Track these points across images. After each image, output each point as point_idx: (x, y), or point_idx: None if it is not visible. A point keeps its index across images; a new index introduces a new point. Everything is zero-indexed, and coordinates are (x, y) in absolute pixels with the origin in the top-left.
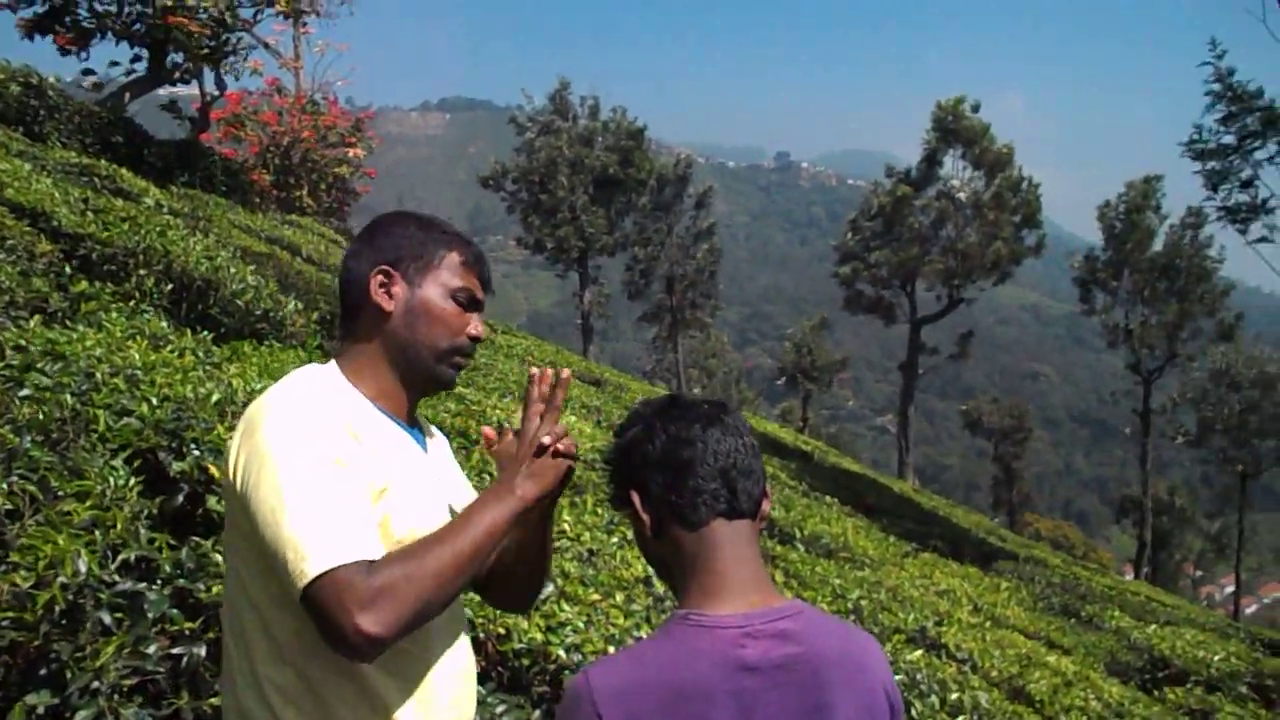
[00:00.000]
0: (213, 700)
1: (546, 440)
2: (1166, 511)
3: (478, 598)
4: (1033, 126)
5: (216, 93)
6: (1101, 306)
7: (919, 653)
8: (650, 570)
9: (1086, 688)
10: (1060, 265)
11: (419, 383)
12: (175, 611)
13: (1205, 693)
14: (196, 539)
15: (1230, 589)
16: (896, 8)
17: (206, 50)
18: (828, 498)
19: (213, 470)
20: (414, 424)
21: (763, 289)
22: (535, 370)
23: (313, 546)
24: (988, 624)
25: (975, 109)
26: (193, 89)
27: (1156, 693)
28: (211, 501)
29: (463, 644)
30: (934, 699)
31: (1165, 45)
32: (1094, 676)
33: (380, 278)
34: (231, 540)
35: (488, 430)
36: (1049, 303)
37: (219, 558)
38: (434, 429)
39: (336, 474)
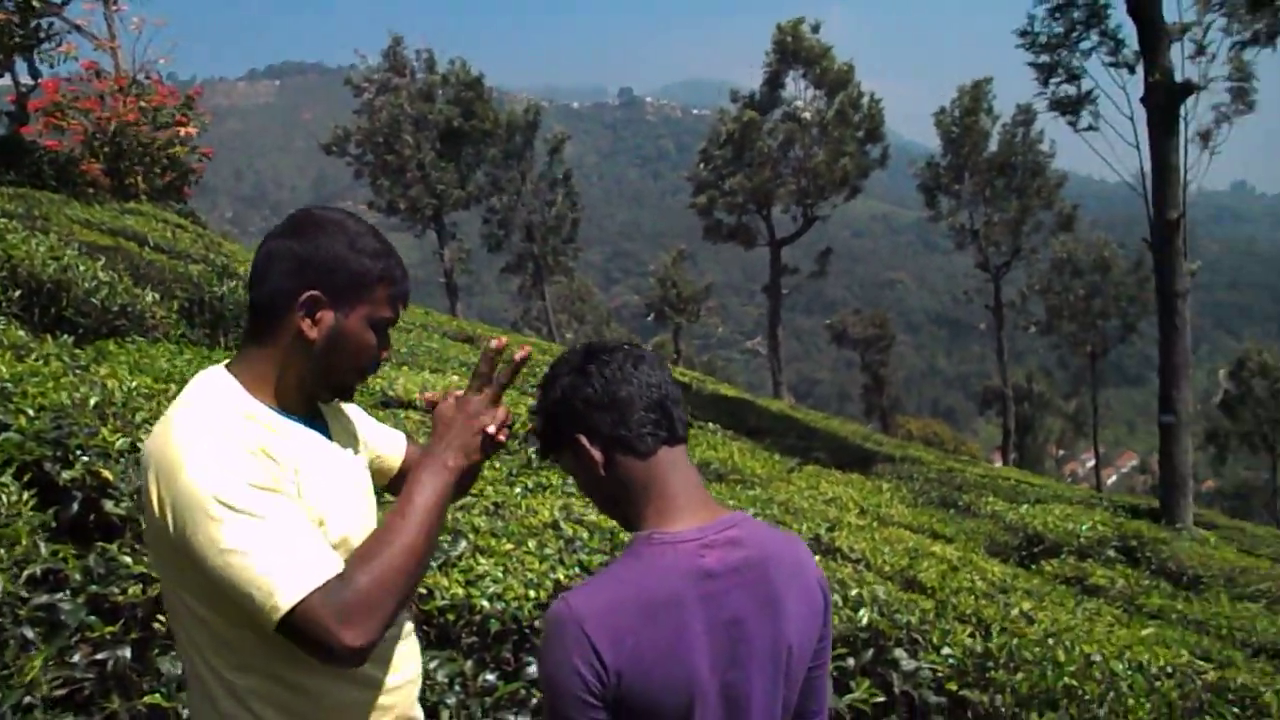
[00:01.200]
0: (146, 700)
1: (491, 429)
2: (1026, 398)
3: None
4: (861, 38)
5: (32, 82)
6: (947, 210)
7: (816, 558)
8: (560, 515)
9: (971, 570)
10: (903, 174)
11: (322, 395)
12: (93, 619)
13: (1078, 560)
14: (102, 544)
15: (1091, 463)
16: None
17: (16, 39)
18: (711, 424)
19: (105, 474)
20: (316, 416)
21: (621, 227)
22: (493, 342)
23: (277, 582)
24: (875, 524)
25: (815, 29)
26: (5, 81)
27: (1034, 566)
28: (109, 505)
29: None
30: (836, 597)
31: None
32: (976, 559)
33: (308, 304)
34: (169, 574)
35: (430, 395)
36: (898, 211)
37: (128, 559)
38: (340, 405)
39: (273, 502)
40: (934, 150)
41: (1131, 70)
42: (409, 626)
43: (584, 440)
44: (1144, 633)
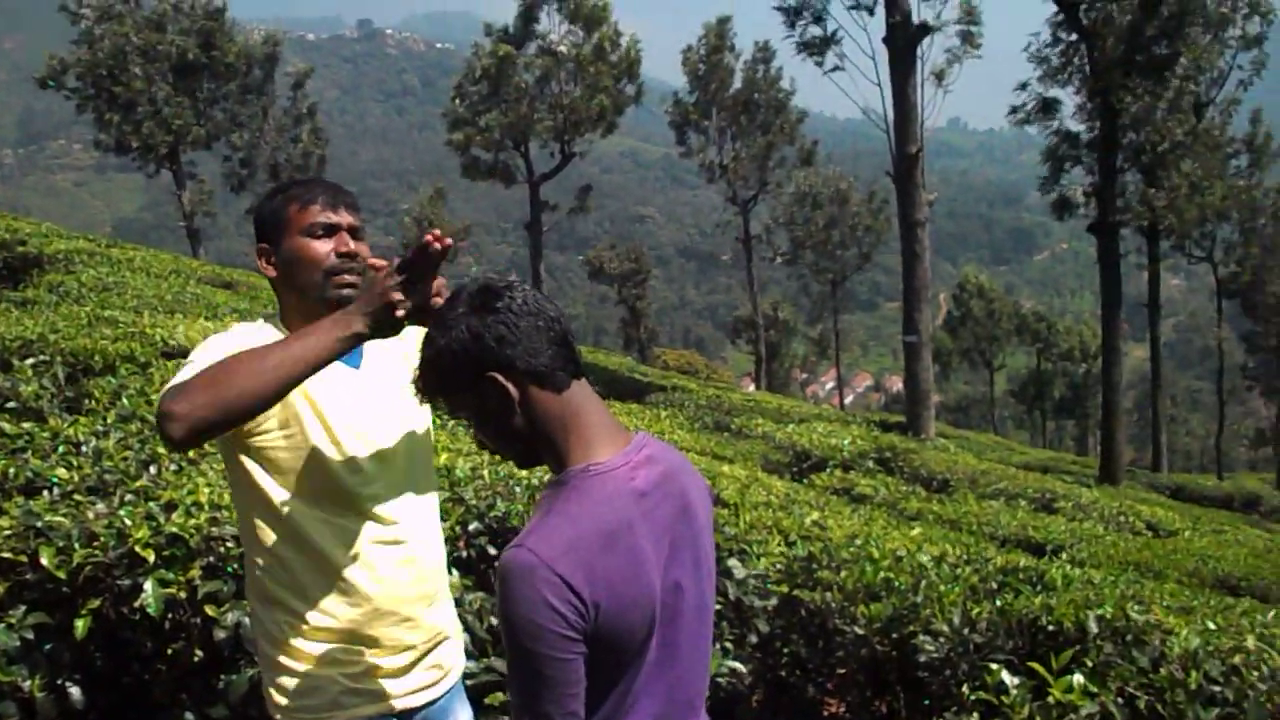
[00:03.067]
0: None
1: (397, 297)
2: (773, 326)
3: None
4: None
5: None
6: (696, 146)
7: None
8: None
9: (759, 486)
10: (649, 110)
11: (329, 311)
12: None
13: (844, 473)
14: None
15: (830, 385)
16: None
17: None
18: None
19: None
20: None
21: (367, 165)
22: (431, 236)
23: (178, 377)
24: None
25: None
26: None
27: (805, 480)
28: None
29: (418, 531)
30: None
31: None
32: (761, 476)
33: (261, 258)
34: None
35: (374, 260)
36: (644, 147)
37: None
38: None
39: (223, 343)
40: (679, 87)
41: (871, 12)
42: (422, 545)
43: (499, 377)
44: (913, 533)
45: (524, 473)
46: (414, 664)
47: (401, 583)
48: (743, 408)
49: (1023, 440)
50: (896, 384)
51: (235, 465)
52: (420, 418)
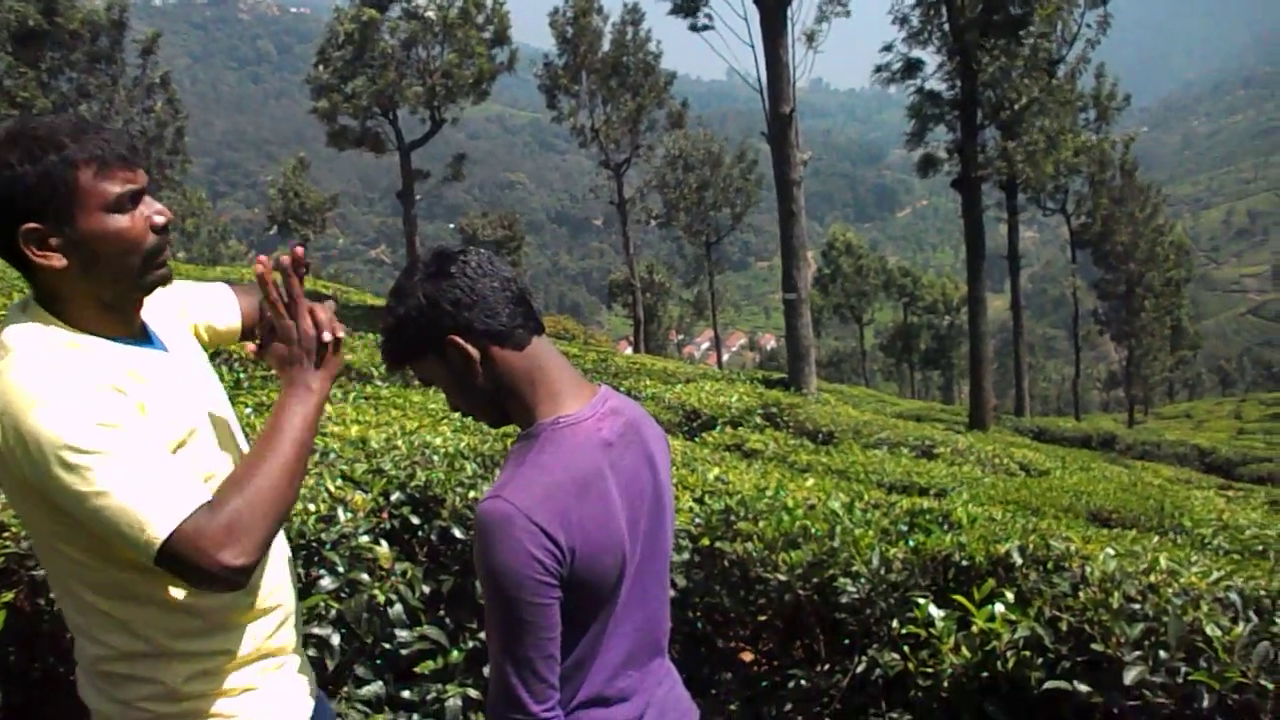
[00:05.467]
0: None
1: (326, 337)
2: (649, 288)
3: None
4: None
5: None
6: (567, 110)
7: None
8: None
9: None
10: (516, 75)
11: (135, 299)
12: None
13: (733, 429)
14: None
15: (706, 345)
16: None
17: None
18: (371, 335)
19: None
20: (143, 330)
21: (222, 136)
22: (260, 267)
23: (147, 516)
24: None
25: None
26: None
27: (698, 439)
28: None
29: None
30: None
31: None
32: None
33: (29, 244)
34: (35, 521)
35: (250, 345)
36: (511, 112)
37: None
38: (163, 302)
39: (125, 438)
40: (547, 50)
41: None
42: (279, 552)
43: (459, 340)
44: (808, 484)
45: (440, 441)
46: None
47: (282, 569)
48: (629, 370)
49: (892, 392)
50: (770, 341)
51: (64, 538)
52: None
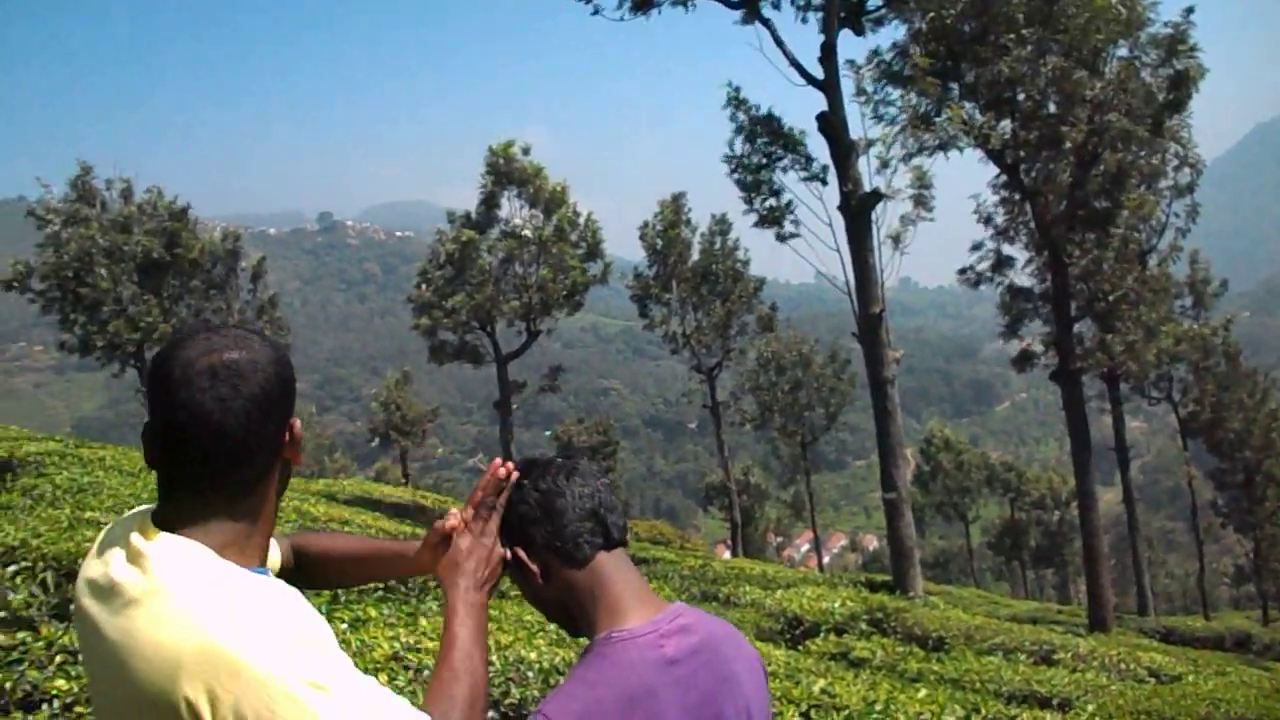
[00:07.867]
0: None
1: (508, 555)
2: (745, 490)
3: None
4: (560, 156)
5: None
6: (658, 318)
7: None
8: (399, 646)
9: (761, 656)
10: (609, 285)
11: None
12: None
13: (837, 636)
14: None
15: (805, 547)
16: (387, 63)
17: None
18: None
19: None
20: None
21: (329, 353)
22: (501, 470)
23: None
24: None
25: (526, 152)
26: None
27: (800, 647)
28: None
29: None
30: None
31: (667, 74)
32: (760, 646)
33: (289, 438)
34: None
35: (445, 524)
36: (604, 321)
37: None
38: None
39: (345, 665)
40: (637, 262)
41: (824, 182)
42: None
43: (521, 554)
44: (920, 695)
45: (534, 655)
46: None
47: None
48: (727, 576)
49: (1004, 592)
50: (872, 542)
51: None
52: None
